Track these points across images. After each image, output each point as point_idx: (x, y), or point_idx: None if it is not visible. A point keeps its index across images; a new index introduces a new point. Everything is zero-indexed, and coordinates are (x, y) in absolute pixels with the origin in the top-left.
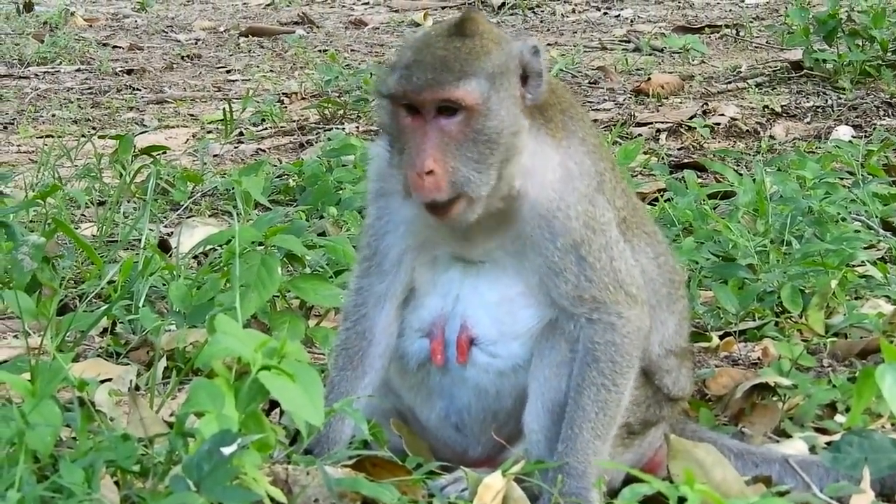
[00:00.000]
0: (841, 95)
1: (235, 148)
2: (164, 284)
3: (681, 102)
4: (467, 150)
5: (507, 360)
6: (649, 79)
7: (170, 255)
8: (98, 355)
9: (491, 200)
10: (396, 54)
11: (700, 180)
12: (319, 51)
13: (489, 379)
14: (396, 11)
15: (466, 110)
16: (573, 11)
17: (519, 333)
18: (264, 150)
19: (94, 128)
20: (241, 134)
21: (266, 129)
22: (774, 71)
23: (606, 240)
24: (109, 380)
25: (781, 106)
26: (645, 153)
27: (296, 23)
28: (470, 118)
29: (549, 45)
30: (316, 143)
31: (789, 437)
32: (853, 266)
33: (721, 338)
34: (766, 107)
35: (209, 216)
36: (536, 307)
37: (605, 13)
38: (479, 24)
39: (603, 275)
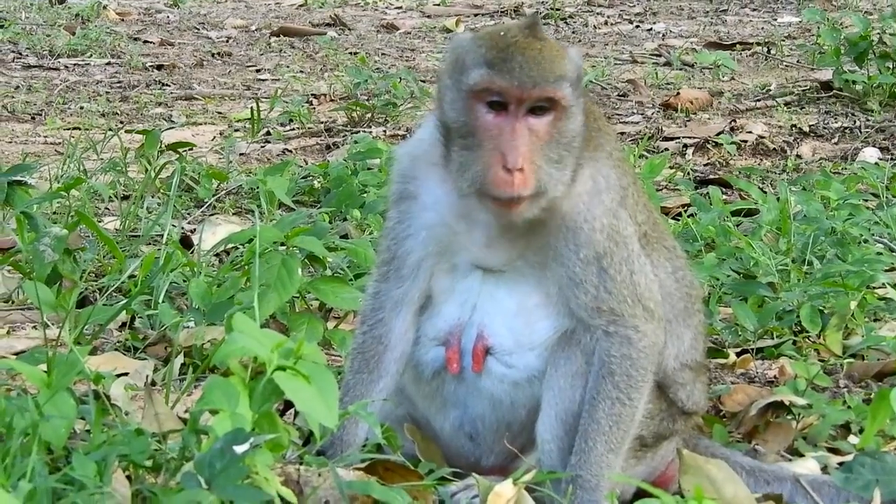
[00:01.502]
0: (869, 117)
1: (262, 147)
2: (184, 281)
3: (709, 118)
4: (551, 149)
5: (522, 370)
6: (678, 93)
7: (191, 252)
8: (116, 349)
9: (543, 208)
10: (465, 50)
11: (724, 197)
12: (350, 53)
13: (504, 389)
14: (429, 17)
15: (557, 110)
16: (605, 23)
17: (535, 344)
18: (291, 151)
19: (121, 122)
20: (268, 133)
21: (293, 129)
22: (804, 90)
23: (628, 253)
24: (126, 374)
25: (809, 125)
26: (671, 167)
27: (327, 24)
28: (558, 118)
29: None
30: (342, 145)
31: (802, 456)
32: (873, 288)
33: (738, 355)
34: (794, 126)
35: (233, 214)
36: (554, 317)
37: (638, 26)
38: (539, 24)
39: (622, 287)
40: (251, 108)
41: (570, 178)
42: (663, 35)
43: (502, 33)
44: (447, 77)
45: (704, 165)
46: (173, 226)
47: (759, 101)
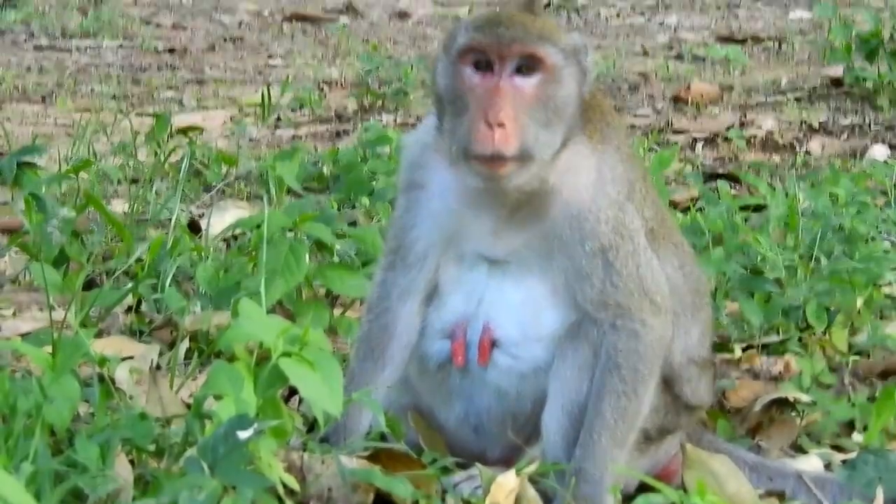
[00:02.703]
0: (879, 114)
1: (272, 133)
2: (191, 265)
3: (719, 112)
4: (538, 112)
5: (528, 362)
6: (689, 87)
7: (199, 237)
8: (122, 333)
9: (531, 178)
10: (458, 25)
11: (733, 191)
12: (362, 40)
13: (510, 381)
14: (441, 5)
15: (544, 72)
16: (618, 16)
17: (542, 336)
18: (301, 137)
19: (132, 105)
20: (278, 119)
21: (304, 115)
22: (814, 86)
23: (634, 247)
24: (131, 358)
25: (819, 122)
26: (680, 161)
27: (340, 11)
28: (546, 81)
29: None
30: (353, 132)
31: (806, 452)
32: (880, 286)
33: (744, 350)
34: (804, 122)
35: (241, 200)
36: (560, 309)
37: (650, 19)
38: (540, 8)
39: (629, 281)
40: (262, 93)
41: (558, 145)
42: (675, 28)
43: (497, 8)
44: (441, 51)
45: (714, 160)
46: (182, 210)
47: (769, 96)
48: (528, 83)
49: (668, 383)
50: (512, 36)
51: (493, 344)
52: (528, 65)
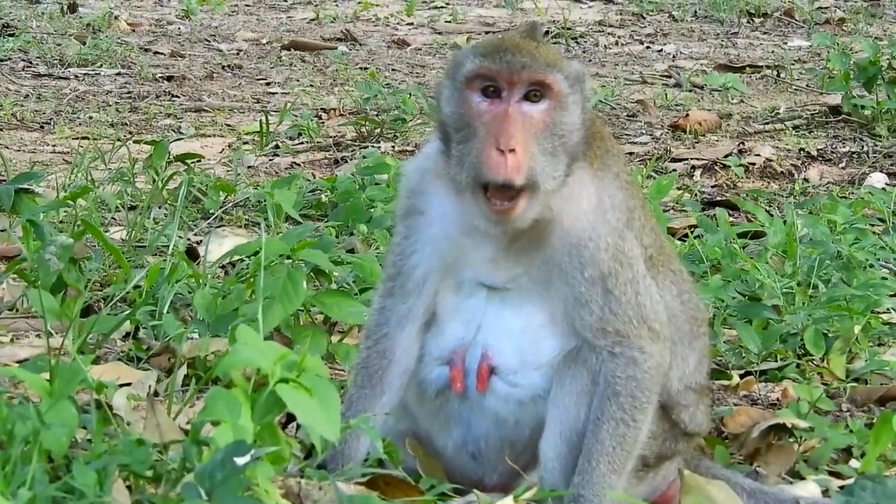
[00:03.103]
0: (877, 142)
1: (270, 160)
2: (189, 292)
3: (717, 140)
4: (545, 139)
5: (527, 389)
6: (687, 115)
7: (197, 264)
8: (119, 359)
9: (539, 211)
10: (462, 53)
11: (731, 219)
12: (360, 68)
13: (508, 408)
14: (440, 34)
15: (552, 99)
16: (616, 44)
17: (540, 363)
18: (299, 164)
19: (130, 132)
20: (276, 147)
21: (302, 143)
22: (812, 114)
23: (633, 274)
24: (129, 384)
25: (817, 149)
26: (678, 189)
27: (339, 39)
28: (553, 108)
29: (590, 75)
30: (351, 160)
31: (803, 479)
32: (878, 313)
33: (742, 377)
34: (802, 149)
35: (239, 227)
36: (559, 337)
37: (648, 47)
38: (541, 36)
39: (628, 308)
40: (260, 121)
41: (563, 175)
42: (674, 56)
43: (500, 36)
44: (445, 79)
45: (712, 187)
46: (179, 237)
47: (767, 124)
48: (537, 110)
49: (666, 410)
50: (521, 63)
51: (492, 371)
52: (536, 91)
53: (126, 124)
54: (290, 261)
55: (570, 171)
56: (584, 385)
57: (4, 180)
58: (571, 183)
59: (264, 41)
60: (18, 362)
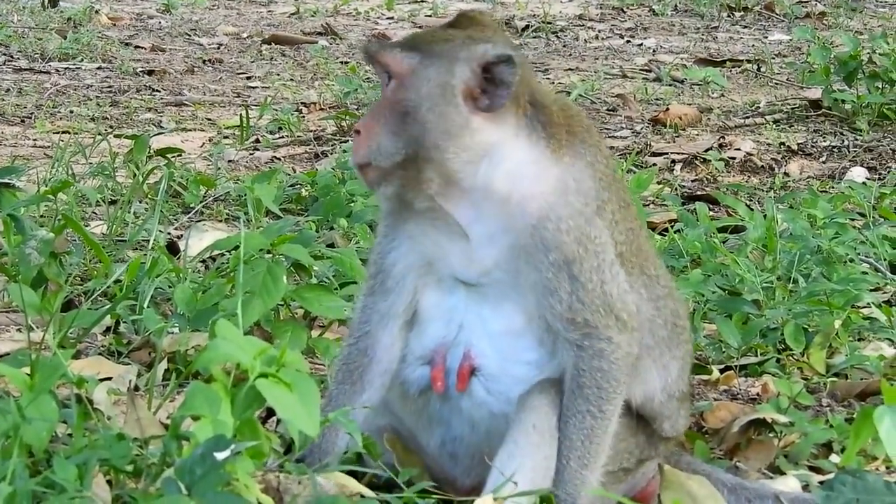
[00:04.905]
0: (858, 137)
1: (251, 154)
2: (169, 286)
3: (698, 134)
4: (389, 117)
5: (503, 403)
6: (668, 109)
7: (177, 258)
8: (100, 353)
9: (428, 183)
10: None
11: (711, 213)
12: (341, 62)
13: (481, 415)
14: (420, 27)
15: (395, 79)
16: (596, 38)
17: (520, 363)
18: (279, 159)
19: (111, 126)
20: (257, 141)
21: (282, 137)
22: (793, 108)
23: (599, 262)
24: (109, 378)
25: (798, 144)
26: (658, 183)
27: (319, 33)
28: (398, 87)
29: (570, 69)
30: (331, 154)
31: (783, 474)
32: (858, 307)
33: (721, 371)
34: (783, 144)
35: (220, 221)
36: (537, 342)
37: (628, 41)
38: (474, 21)
39: (594, 297)
40: (241, 115)
41: (402, 155)
42: (654, 50)
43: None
44: None
45: (692, 181)
46: (160, 231)
47: (747, 118)
48: (388, 89)
49: (647, 421)
50: (373, 47)
51: (473, 371)
52: (388, 73)
53: (107, 118)
54: (271, 255)
55: (423, 154)
56: (556, 394)
57: None
58: (524, 164)
59: (245, 35)
60: None
